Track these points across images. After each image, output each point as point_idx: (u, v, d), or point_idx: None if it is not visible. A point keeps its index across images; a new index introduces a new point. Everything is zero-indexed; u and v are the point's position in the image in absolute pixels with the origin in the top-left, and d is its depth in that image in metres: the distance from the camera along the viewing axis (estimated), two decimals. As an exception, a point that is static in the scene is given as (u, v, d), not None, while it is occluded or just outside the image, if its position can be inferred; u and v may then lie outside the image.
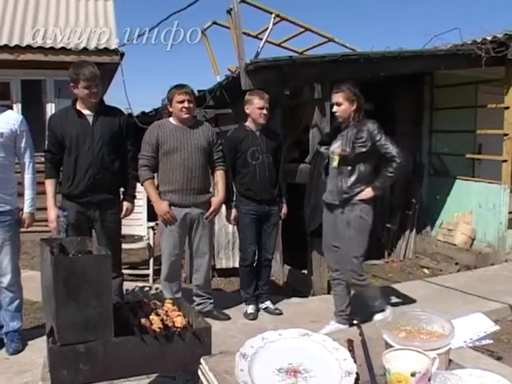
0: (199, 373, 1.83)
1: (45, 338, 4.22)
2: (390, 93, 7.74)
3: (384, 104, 7.41)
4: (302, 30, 7.98)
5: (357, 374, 1.71)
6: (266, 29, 7.43)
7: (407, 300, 5.47)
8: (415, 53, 6.42)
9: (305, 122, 6.13)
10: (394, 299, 5.47)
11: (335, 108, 4.52)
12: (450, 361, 1.85)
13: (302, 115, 6.20)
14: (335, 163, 4.48)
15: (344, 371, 1.74)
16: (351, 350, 1.94)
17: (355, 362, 1.81)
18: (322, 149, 4.75)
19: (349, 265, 4.48)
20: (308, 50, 8.43)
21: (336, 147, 4.48)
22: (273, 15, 7.37)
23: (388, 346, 1.82)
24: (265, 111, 4.94)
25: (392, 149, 4.35)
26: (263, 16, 7.49)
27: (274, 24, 7.39)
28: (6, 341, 4.26)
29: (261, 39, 7.51)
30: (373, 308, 4.62)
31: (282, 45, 8.32)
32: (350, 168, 4.40)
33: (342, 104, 4.45)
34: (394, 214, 7.90)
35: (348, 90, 4.44)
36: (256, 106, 4.94)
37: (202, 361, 1.89)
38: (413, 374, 1.57)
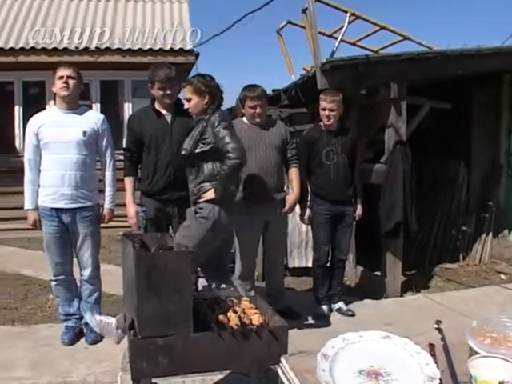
0: (279, 371, 1.85)
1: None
2: (467, 92, 7.52)
3: (460, 103, 7.21)
4: (378, 28, 7.89)
5: (440, 380, 1.69)
6: (341, 27, 7.39)
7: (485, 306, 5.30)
8: (493, 50, 6.20)
9: (380, 121, 6.05)
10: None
11: (186, 104, 4.07)
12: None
13: (378, 115, 6.12)
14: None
15: (426, 376, 1.72)
16: (433, 354, 1.91)
17: (437, 367, 1.78)
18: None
19: None
20: (383, 48, 8.33)
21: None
22: (348, 14, 7.33)
23: (473, 352, 1.78)
24: (333, 113, 4.89)
25: (229, 143, 3.80)
26: (338, 15, 7.47)
27: (349, 23, 7.34)
28: (85, 331, 4.42)
29: (336, 38, 7.48)
30: None
31: (357, 43, 8.25)
32: (195, 168, 3.97)
33: (191, 99, 3.98)
34: (469, 217, 7.67)
35: (197, 81, 3.96)
36: (320, 107, 4.94)
37: (282, 359, 1.91)
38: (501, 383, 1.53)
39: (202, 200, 3.88)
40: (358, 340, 1.93)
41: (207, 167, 3.91)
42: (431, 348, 1.94)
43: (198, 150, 3.89)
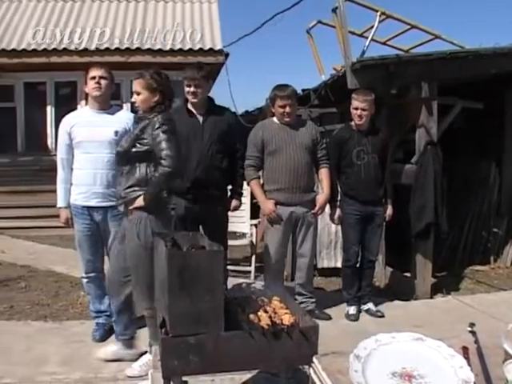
0: (311, 371, 1.85)
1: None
2: (499, 91, 7.40)
3: (492, 103, 7.10)
4: (408, 27, 7.82)
5: (474, 383, 1.67)
6: (372, 27, 7.34)
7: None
8: (527, 48, 6.10)
9: (411, 121, 6.00)
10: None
11: (133, 97, 3.81)
12: None
13: (408, 115, 6.07)
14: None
15: (460, 380, 1.71)
16: (467, 357, 1.89)
17: (471, 370, 1.76)
18: None
19: None
20: (414, 47, 8.25)
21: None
22: (378, 13, 7.28)
23: (508, 355, 1.76)
24: (365, 112, 4.87)
25: (164, 150, 3.51)
26: (368, 14, 7.42)
27: (379, 22, 7.29)
28: (115, 328, 4.46)
29: (366, 37, 7.44)
30: None
31: (387, 43, 8.18)
32: (127, 168, 3.69)
33: (140, 93, 3.71)
34: (500, 218, 7.55)
35: (150, 77, 3.70)
36: (353, 106, 4.91)
37: (314, 360, 1.91)
38: (538, 387, 1.51)
39: (130, 207, 3.63)
40: (390, 341, 1.92)
41: (139, 170, 3.64)
42: (465, 351, 1.92)
43: (133, 150, 3.63)
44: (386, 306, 5.30)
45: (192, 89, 4.32)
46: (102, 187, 4.21)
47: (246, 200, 6.33)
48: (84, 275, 4.44)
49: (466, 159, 7.63)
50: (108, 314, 4.49)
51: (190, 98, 4.38)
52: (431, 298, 5.80)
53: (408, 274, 6.06)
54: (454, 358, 1.80)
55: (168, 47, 9.45)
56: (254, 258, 6.49)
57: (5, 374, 3.66)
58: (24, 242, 8.66)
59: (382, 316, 5.04)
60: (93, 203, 4.21)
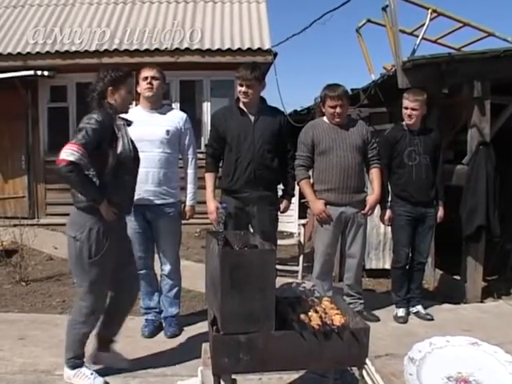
0: (363, 373, 1.84)
1: (200, 324, 4.51)
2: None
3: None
4: (461, 25, 7.66)
5: (533, 390, 1.63)
6: (423, 25, 7.21)
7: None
8: None
9: (462, 121, 5.89)
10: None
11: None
12: None
13: (460, 114, 5.96)
14: None
15: (519, 386, 1.67)
16: (525, 364, 1.84)
17: (530, 377, 1.72)
18: None
19: None
20: (466, 45, 8.07)
21: None
22: (429, 10, 7.15)
23: None
24: (415, 112, 4.81)
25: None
26: (419, 12, 7.30)
27: (430, 20, 7.16)
28: (164, 325, 4.53)
29: (416, 36, 7.32)
30: None
31: (438, 41, 8.04)
32: None
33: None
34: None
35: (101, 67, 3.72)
36: (403, 106, 4.87)
37: (367, 362, 1.90)
38: None
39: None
40: (444, 345, 1.89)
41: None
42: (522, 357, 1.87)
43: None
44: (435, 309, 5.23)
45: (244, 88, 4.32)
46: (153, 185, 4.28)
47: (294, 200, 6.33)
48: (135, 272, 4.51)
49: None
50: (157, 310, 4.57)
51: (241, 97, 4.38)
52: (481, 302, 5.68)
53: (458, 277, 5.96)
54: (512, 364, 1.76)
55: (216, 47, 9.53)
56: (301, 257, 6.48)
57: (58, 365, 3.74)
58: (75, 238, 8.85)
59: (432, 319, 4.97)
60: (144, 201, 4.28)
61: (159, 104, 4.45)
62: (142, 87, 4.33)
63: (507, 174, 7.21)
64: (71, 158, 3.19)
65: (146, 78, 4.31)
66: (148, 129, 4.28)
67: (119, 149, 3.44)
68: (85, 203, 3.40)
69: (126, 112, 3.68)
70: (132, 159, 3.60)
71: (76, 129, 3.41)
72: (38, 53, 9.58)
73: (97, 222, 3.43)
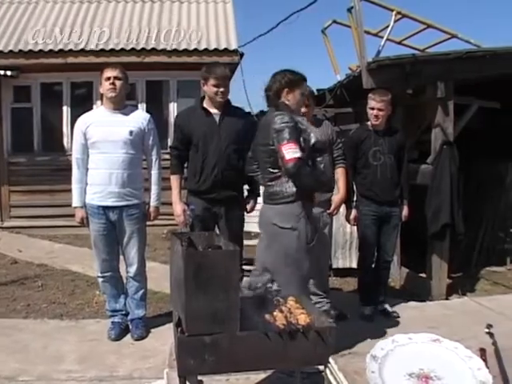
0: (327, 372, 1.85)
1: (167, 326, 4.48)
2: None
3: (510, 103, 7.03)
4: (424, 26, 7.78)
5: (493, 385, 1.65)
6: (387, 26, 7.31)
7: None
8: (547, 46, 6.02)
9: (427, 121, 5.97)
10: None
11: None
12: None
13: (424, 115, 6.04)
14: None
15: (479, 381, 1.69)
16: (484, 359, 1.87)
17: (489, 372, 1.75)
18: None
19: None
20: (430, 47, 8.21)
21: None
22: (394, 12, 7.26)
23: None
24: (381, 112, 4.85)
25: None
26: (384, 13, 7.39)
27: (395, 21, 7.26)
28: (130, 327, 4.49)
29: (381, 37, 7.42)
30: None
31: (403, 42, 8.15)
32: None
33: None
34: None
35: None
36: (369, 106, 4.89)
37: (330, 360, 1.90)
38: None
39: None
40: (407, 342, 1.91)
41: None
42: (482, 353, 1.90)
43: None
44: (401, 307, 5.27)
45: (222, 88, 4.25)
46: (117, 187, 4.24)
47: (260, 200, 6.32)
48: (100, 274, 4.47)
49: (482, 159, 7.57)
50: (124, 312, 4.53)
51: (218, 97, 4.28)
52: (447, 299, 5.77)
53: (423, 275, 6.03)
54: (472, 359, 1.79)
55: (183, 47, 9.48)
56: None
57: (22, 371, 3.70)
58: (40, 241, 8.75)
59: (398, 317, 5.01)
60: (108, 203, 4.24)
61: (122, 104, 4.39)
62: (105, 88, 4.26)
63: (470, 173, 7.35)
64: (298, 155, 3.41)
65: (109, 79, 4.24)
66: (111, 130, 4.24)
67: (312, 140, 3.66)
68: (293, 196, 3.58)
69: (299, 113, 3.86)
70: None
71: (272, 131, 3.54)
72: (0, 52, 9.38)
73: (304, 210, 3.65)
